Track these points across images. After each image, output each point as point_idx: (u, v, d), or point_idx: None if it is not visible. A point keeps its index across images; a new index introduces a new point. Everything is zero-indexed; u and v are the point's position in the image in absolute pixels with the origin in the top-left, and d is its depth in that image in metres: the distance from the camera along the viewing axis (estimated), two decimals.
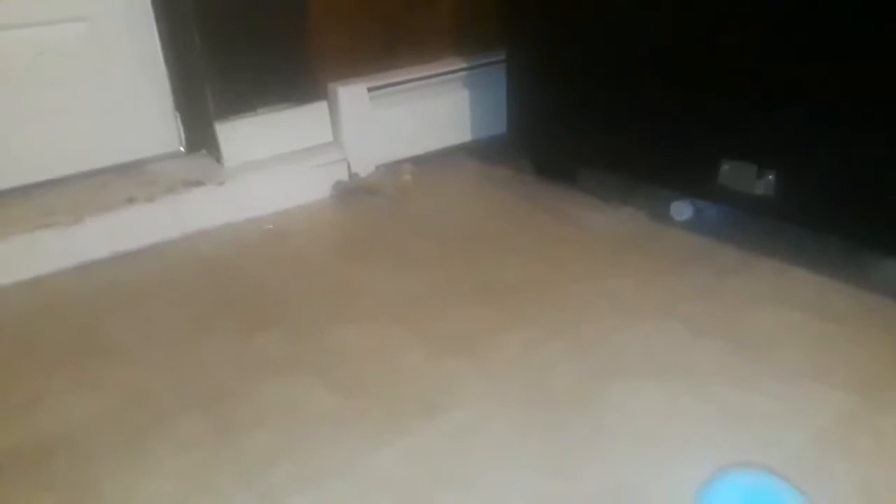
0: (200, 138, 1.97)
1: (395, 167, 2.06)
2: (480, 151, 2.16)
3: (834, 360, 1.22)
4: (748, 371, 1.21)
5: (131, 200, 1.78)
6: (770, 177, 1.47)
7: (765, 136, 1.47)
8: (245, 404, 1.21)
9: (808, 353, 1.25)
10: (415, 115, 2.09)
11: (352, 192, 2.00)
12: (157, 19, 1.87)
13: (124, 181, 1.87)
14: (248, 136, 1.92)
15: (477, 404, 1.18)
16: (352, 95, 1.99)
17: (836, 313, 1.34)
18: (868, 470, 0.99)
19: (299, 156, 1.98)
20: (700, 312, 1.38)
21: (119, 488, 1.06)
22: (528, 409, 1.17)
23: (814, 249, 1.50)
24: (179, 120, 1.97)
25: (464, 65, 2.13)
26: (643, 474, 1.02)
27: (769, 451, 1.03)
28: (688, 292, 1.45)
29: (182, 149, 2.00)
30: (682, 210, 1.73)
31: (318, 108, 2.00)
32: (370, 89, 2.01)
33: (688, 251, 1.60)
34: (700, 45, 1.53)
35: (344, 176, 2.02)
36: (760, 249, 1.55)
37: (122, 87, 1.88)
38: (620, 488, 1.00)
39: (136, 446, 1.14)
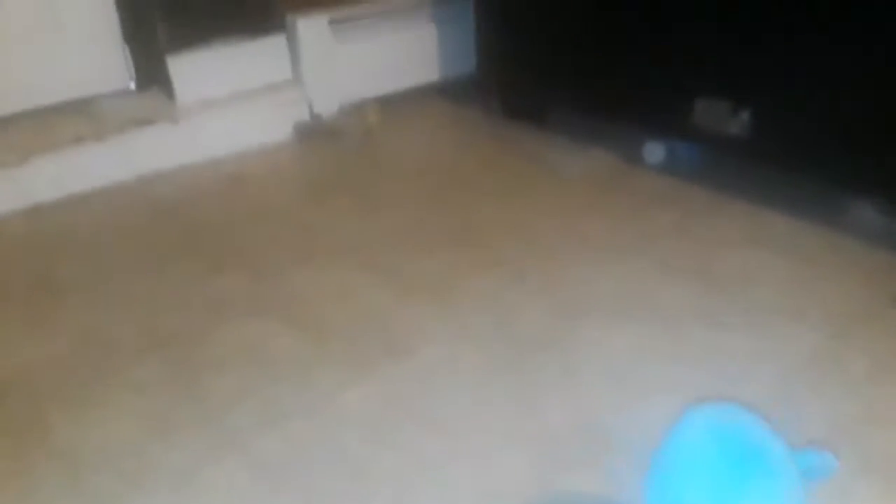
0: (152, 74, 1.86)
1: (359, 107, 1.98)
2: (449, 91, 2.09)
3: (805, 299, 1.22)
4: (719, 310, 1.20)
5: (79, 140, 1.68)
6: (745, 115, 1.44)
7: (740, 73, 1.43)
8: (205, 347, 1.17)
9: (780, 292, 1.24)
10: (380, 51, 2.00)
11: (314, 134, 1.92)
12: None
13: (71, 119, 1.76)
14: (203, 71, 1.81)
15: (445, 345, 1.16)
16: (312, 28, 1.89)
17: (808, 254, 1.33)
18: (838, 406, 0.99)
19: (257, 94, 1.89)
20: (671, 253, 1.36)
21: (73, 432, 1.01)
22: (497, 349, 1.14)
23: (786, 191, 1.48)
24: (129, 53, 1.85)
25: None
26: (613, 412, 1.01)
27: (740, 387, 1.02)
28: (659, 233, 1.43)
29: (132, 85, 1.88)
30: (654, 152, 1.70)
31: (277, 42, 1.90)
32: (332, 22, 1.91)
33: (660, 192, 1.58)
34: None
35: (305, 116, 1.94)
36: (733, 191, 1.53)
37: (66, 16, 1.75)
38: (590, 425, 0.99)
39: (92, 389, 1.09)
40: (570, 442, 0.97)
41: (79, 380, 1.11)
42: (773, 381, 1.05)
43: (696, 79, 1.50)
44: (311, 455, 0.97)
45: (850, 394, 1.01)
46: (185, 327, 1.21)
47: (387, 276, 1.33)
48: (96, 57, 1.82)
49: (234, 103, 1.85)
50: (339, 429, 1.00)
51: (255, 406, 1.05)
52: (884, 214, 1.38)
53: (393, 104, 2.02)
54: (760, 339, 1.13)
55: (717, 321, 1.18)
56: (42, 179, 1.63)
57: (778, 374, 1.06)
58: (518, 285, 1.29)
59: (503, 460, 0.95)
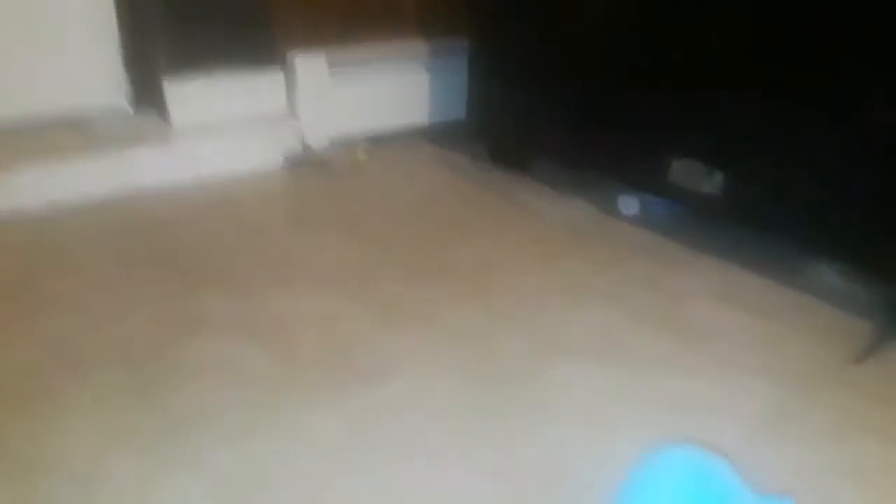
0: (149, 96, 1.90)
1: (349, 143, 2.03)
2: (437, 135, 2.15)
3: (769, 354, 1.25)
4: (686, 360, 1.23)
5: (72, 153, 1.70)
6: (718, 176, 1.50)
7: (715, 137, 1.50)
8: (174, 361, 1.17)
9: (746, 348, 1.27)
10: (373, 92, 2.06)
11: (303, 165, 1.96)
12: None
13: (64, 133, 1.78)
14: (200, 97, 1.85)
15: (417, 375, 1.16)
16: (310, 66, 1.95)
17: (773, 311, 1.37)
18: (797, 456, 1.02)
19: (251, 122, 1.93)
20: (643, 302, 1.40)
21: (28, 440, 1.00)
22: (469, 382, 1.15)
23: (755, 250, 1.54)
24: (128, 75, 1.88)
25: (427, 47, 2.12)
26: (578, 450, 1.02)
27: (704, 434, 1.04)
28: (632, 282, 1.46)
29: (128, 106, 1.91)
30: (628, 204, 1.76)
31: (275, 76, 1.95)
32: (330, 62, 1.97)
33: (634, 244, 1.62)
34: (652, 42, 1.56)
35: (297, 147, 1.98)
36: (703, 246, 1.58)
37: (69, 34, 1.79)
38: (555, 462, 1.00)
39: (53, 398, 1.08)
40: (536, 476, 0.98)
41: (42, 385, 1.10)
42: (736, 430, 1.07)
43: (673, 140, 1.56)
44: (269, 476, 0.96)
45: (812, 448, 1.04)
46: (156, 341, 1.21)
47: (365, 305, 1.34)
48: (95, 75, 1.85)
49: (228, 129, 1.89)
50: (302, 451, 1.00)
51: (219, 423, 1.04)
52: (844, 278, 1.43)
53: (383, 143, 2.06)
54: (724, 390, 1.16)
55: (684, 370, 1.20)
56: (30, 188, 1.64)
57: (741, 424, 1.08)
58: (495, 322, 1.31)
59: (467, 492, 0.95)
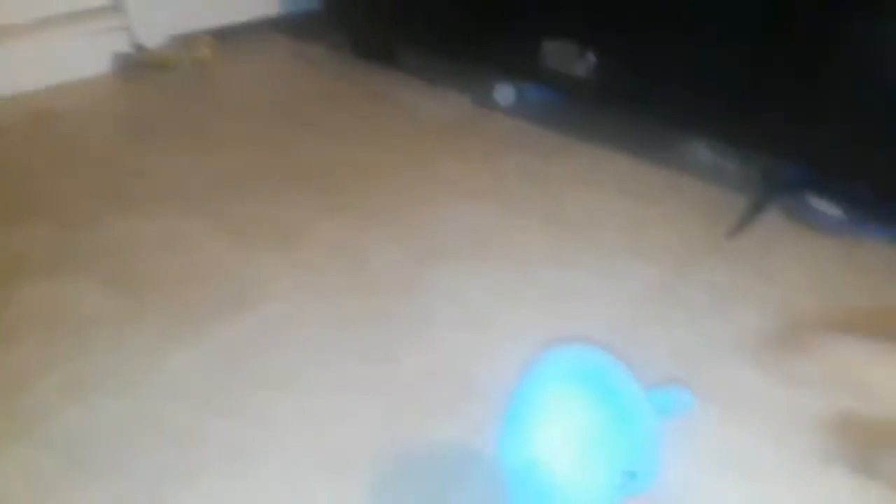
0: None
1: (190, 40, 1.78)
2: (291, 27, 1.94)
3: (648, 238, 1.24)
4: (568, 251, 1.20)
5: None
6: (590, 57, 1.43)
7: (586, 14, 1.42)
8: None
9: (625, 232, 1.26)
10: None
11: (137, 68, 1.71)
12: None
13: None
14: None
15: (290, 297, 1.07)
16: None
17: (651, 194, 1.36)
18: (679, 335, 1.02)
19: (70, 21, 1.64)
20: (520, 195, 1.35)
21: None
22: (347, 298, 1.07)
23: (629, 134, 1.51)
24: None
25: None
26: (467, 357, 0.98)
27: (590, 324, 1.02)
28: (509, 176, 1.41)
29: None
30: (505, 94, 1.67)
31: None
32: None
33: (510, 136, 1.56)
34: None
35: (127, 47, 1.72)
36: (580, 134, 1.54)
37: None
38: (444, 372, 0.95)
39: None
40: (424, 391, 0.92)
41: None
42: (620, 317, 1.06)
43: (543, 20, 1.48)
44: (128, 434, 0.84)
45: (690, 324, 1.04)
46: None
47: (219, 222, 1.20)
48: None
49: (43, 30, 1.60)
50: (162, 401, 0.89)
51: (58, 379, 0.91)
52: (716, 153, 1.45)
53: (230, 38, 1.84)
54: (606, 278, 1.14)
55: (567, 261, 1.17)
56: None
57: (624, 310, 1.07)
58: (367, 231, 1.22)
59: (353, 416, 0.89)
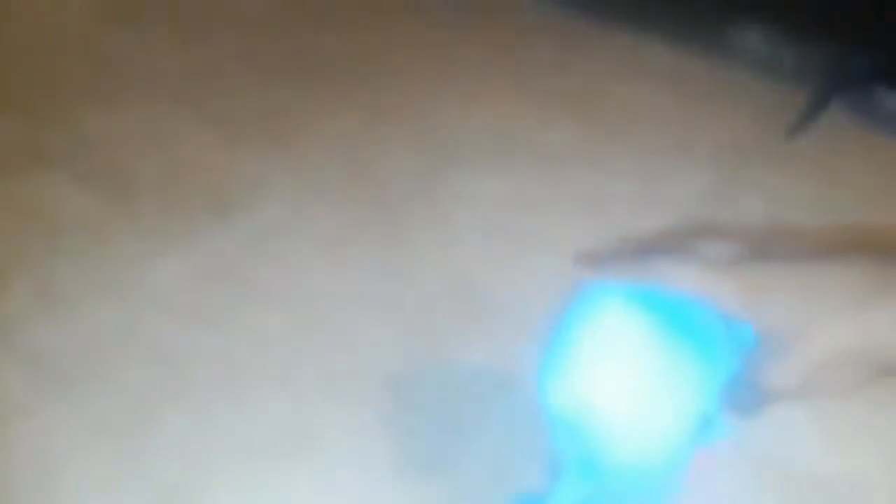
0: None
1: None
2: None
3: (696, 138, 1.12)
4: (605, 152, 1.09)
5: None
6: None
7: None
8: None
9: (669, 131, 1.14)
10: None
11: None
12: None
13: None
14: None
15: (287, 201, 0.95)
16: None
17: (698, 89, 1.23)
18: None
19: None
20: (553, 89, 1.21)
21: None
22: (353, 203, 0.96)
23: (675, 21, 1.35)
24: None
25: None
26: (490, 270, 0.88)
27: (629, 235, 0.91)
28: (539, 67, 1.26)
29: None
30: None
31: None
32: None
33: (538, 24, 1.39)
34: None
35: None
36: (616, 22, 1.38)
37: None
38: (465, 287, 0.85)
39: None
40: (442, 308, 0.83)
41: None
42: (662, 225, 0.94)
43: None
44: (107, 348, 0.76)
45: (741, 233, 0.93)
46: None
47: (210, 116, 1.08)
48: None
49: None
50: (148, 314, 0.80)
51: (29, 289, 0.81)
52: (769, 43, 1.29)
53: None
54: (648, 182, 1.03)
55: (602, 164, 1.06)
56: None
57: (670, 219, 0.95)
58: (375, 128, 1.10)
59: (362, 334, 0.79)
